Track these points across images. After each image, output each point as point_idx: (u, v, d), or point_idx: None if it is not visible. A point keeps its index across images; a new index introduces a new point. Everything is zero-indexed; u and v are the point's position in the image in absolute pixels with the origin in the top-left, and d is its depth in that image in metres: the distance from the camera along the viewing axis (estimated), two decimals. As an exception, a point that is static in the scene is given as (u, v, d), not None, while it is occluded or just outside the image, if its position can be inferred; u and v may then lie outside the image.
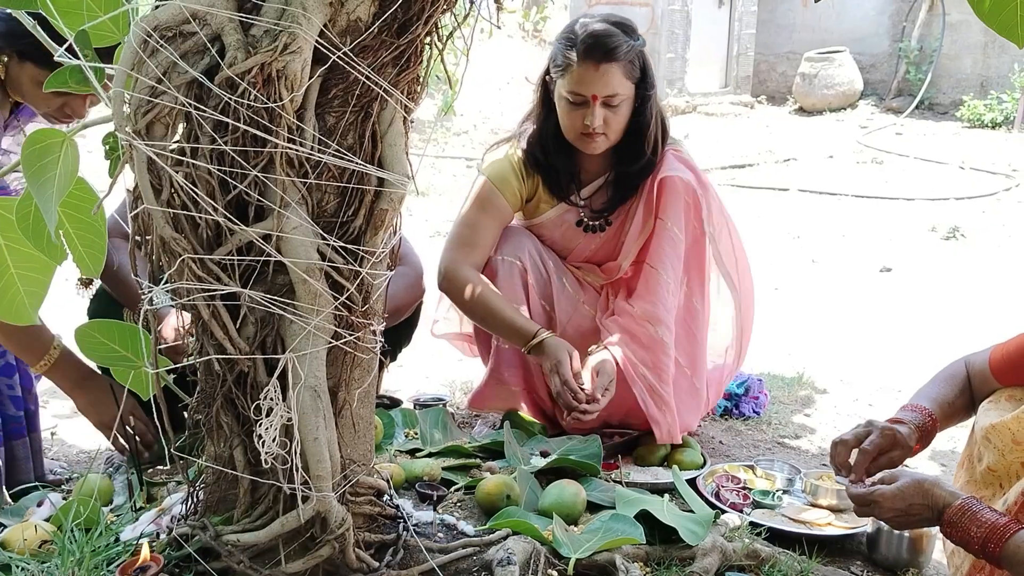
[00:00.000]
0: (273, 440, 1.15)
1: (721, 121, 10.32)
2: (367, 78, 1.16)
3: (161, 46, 1.07)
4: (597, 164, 2.31)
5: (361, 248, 1.22)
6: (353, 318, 1.24)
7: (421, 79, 1.25)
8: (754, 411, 2.82)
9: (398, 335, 2.48)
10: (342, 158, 1.16)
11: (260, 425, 1.16)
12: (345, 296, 1.21)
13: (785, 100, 11.22)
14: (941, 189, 6.85)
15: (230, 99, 1.06)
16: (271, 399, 1.16)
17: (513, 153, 2.32)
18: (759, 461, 2.28)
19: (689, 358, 2.33)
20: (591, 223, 2.33)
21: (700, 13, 10.69)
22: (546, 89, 2.27)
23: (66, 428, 2.77)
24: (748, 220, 6.02)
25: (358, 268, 1.21)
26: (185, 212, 1.09)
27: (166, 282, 1.12)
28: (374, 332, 1.31)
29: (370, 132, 1.20)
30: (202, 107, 1.08)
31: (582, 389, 2.07)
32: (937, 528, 1.83)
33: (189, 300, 1.13)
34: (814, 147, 8.77)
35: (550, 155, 2.28)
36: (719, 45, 11.17)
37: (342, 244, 1.20)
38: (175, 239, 1.10)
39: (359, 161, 1.17)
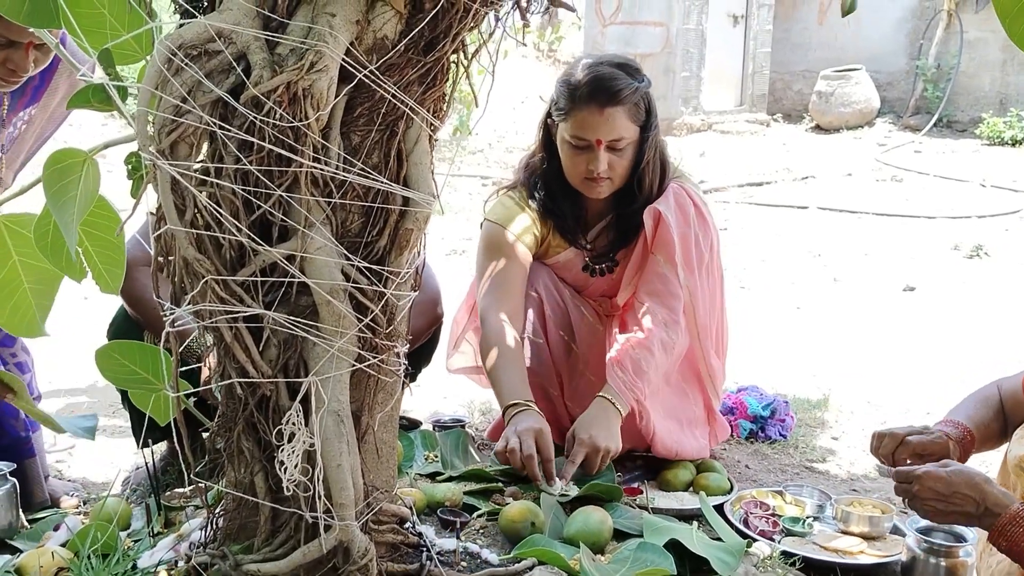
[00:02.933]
0: (295, 466, 1.12)
1: (737, 139, 10.28)
2: (393, 96, 1.13)
3: (186, 65, 1.05)
4: (601, 206, 2.25)
5: (386, 268, 1.19)
6: (377, 340, 1.21)
7: (447, 97, 1.22)
8: (780, 434, 2.76)
9: (418, 356, 2.45)
10: (367, 177, 1.13)
11: (282, 451, 1.13)
12: (369, 318, 1.18)
13: (801, 118, 11.18)
14: (963, 207, 6.77)
15: (255, 118, 1.04)
16: (293, 424, 1.13)
17: (518, 198, 2.26)
18: (788, 487, 2.22)
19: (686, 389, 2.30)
20: (595, 267, 2.29)
21: (715, 32, 10.68)
22: (548, 131, 2.21)
23: (83, 448, 2.76)
24: (767, 238, 5.98)
25: (383, 289, 1.18)
26: (209, 232, 1.07)
27: (188, 304, 1.10)
28: (398, 354, 1.28)
29: (395, 151, 1.18)
30: (227, 126, 1.06)
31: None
32: (974, 558, 1.78)
33: (211, 322, 1.11)
34: (832, 165, 8.70)
35: (555, 199, 2.22)
36: (734, 63, 11.15)
37: (367, 264, 1.17)
38: (198, 260, 1.08)
39: (384, 180, 1.15)
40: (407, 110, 1.14)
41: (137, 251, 1.96)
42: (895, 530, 2.00)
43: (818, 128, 10.79)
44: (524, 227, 2.24)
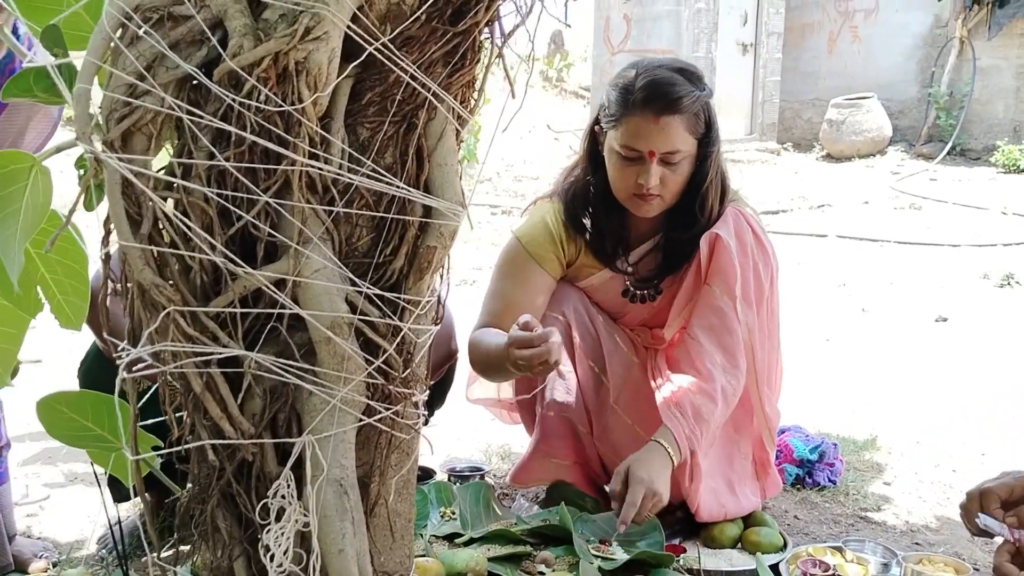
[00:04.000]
0: (285, 553, 0.86)
1: (748, 168, 10.11)
2: (412, 78, 0.89)
3: (145, 33, 0.81)
4: (648, 224, 2.00)
5: (402, 296, 0.93)
6: (391, 387, 0.95)
7: (477, 83, 0.98)
8: (829, 480, 2.49)
9: (431, 397, 2.20)
10: (379, 180, 0.88)
11: (268, 532, 0.87)
12: (381, 359, 0.93)
13: (811, 147, 11.05)
14: (986, 235, 6.56)
15: (234, 100, 0.80)
16: (283, 497, 0.87)
17: (550, 212, 2.02)
18: (847, 542, 1.97)
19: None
20: (637, 292, 2.04)
21: (724, 60, 10.57)
22: (594, 140, 1.97)
23: (58, 500, 2.49)
24: (788, 267, 5.75)
25: (398, 322, 0.92)
26: (173, 251, 0.82)
27: (146, 343, 0.84)
28: (416, 404, 1.02)
29: (414, 148, 0.92)
30: (197, 112, 0.81)
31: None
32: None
33: (176, 367, 0.85)
34: (847, 193, 8.53)
35: (597, 215, 1.98)
36: (744, 92, 11.04)
37: (378, 291, 0.92)
38: (158, 287, 0.82)
39: (401, 184, 0.89)
40: (429, 96, 0.89)
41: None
42: (972, 592, 1.76)
43: (829, 157, 10.65)
44: (548, 249, 1.99)
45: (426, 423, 2.29)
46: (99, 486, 1.38)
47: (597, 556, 1.66)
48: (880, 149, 10.48)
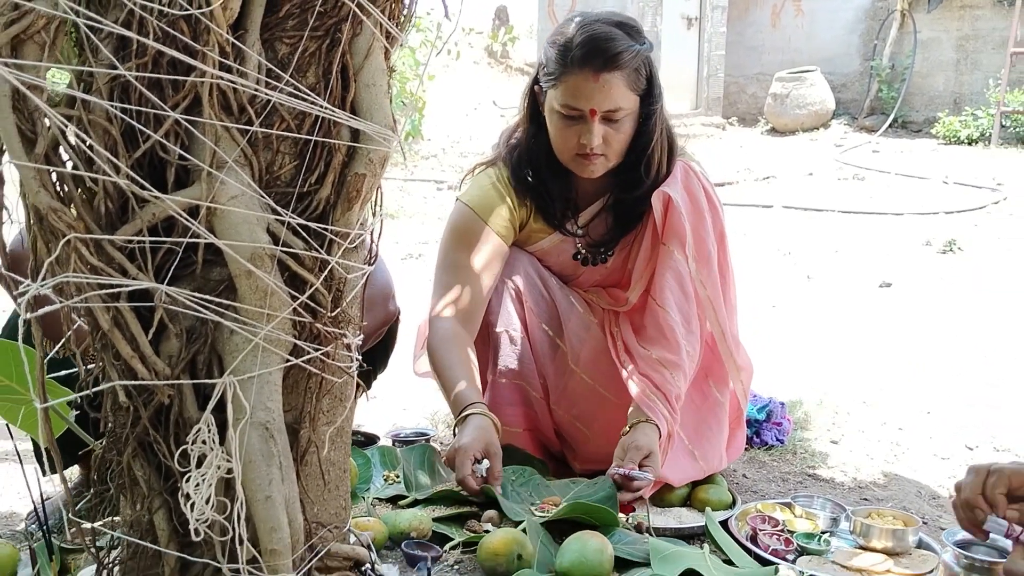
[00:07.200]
0: (207, 501, 0.80)
1: (693, 142, 10.15)
2: (334, -11, 0.82)
3: (34, -68, 0.73)
4: (594, 185, 1.95)
5: (329, 228, 0.87)
6: (320, 326, 0.89)
7: None
8: (777, 439, 2.49)
9: (371, 360, 2.13)
10: (301, 99, 0.82)
11: (188, 480, 0.81)
12: (307, 294, 0.87)
13: (756, 121, 11.14)
14: (929, 204, 6.69)
15: (134, 3, 0.73)
16: (203, 442, 0.81)
17: (497, 177, 1.96)
18: (797, 498, 1.96)
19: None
20: (588, 255, 2.00)
21: (669, 35, 10.58)
22: (535, 100, 1.91)
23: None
24: (735, 237, 5.74)
25: (325, 255, 0.86)
26: (73, 171, 0.75)
27: (45, 276, 0.77)
28: (348, 347, 0.96)
29: (339, 67, 0.86)
30: (97, 18, 0.74)
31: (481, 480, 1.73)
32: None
33: (79, 301, 0.78)
34: (792, 165, 8.63)
35: (541, 177, 1.93)
36: (689, 67, 11.07)
37: (303, 222, 0.85)
38: (57, 211, 0.75)
39: (325, 104, 0.83)
40: (353, 7, 0.83)
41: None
42: (920, 544, 1.77)
43: (773, 131, 10.76)
44: (499, 213, 1.94)
45: (368, 387, 2.24)
46: (35, 446, 1.30)
47: (541, 516, 1.63)
48: (824, 122, 10.62)
